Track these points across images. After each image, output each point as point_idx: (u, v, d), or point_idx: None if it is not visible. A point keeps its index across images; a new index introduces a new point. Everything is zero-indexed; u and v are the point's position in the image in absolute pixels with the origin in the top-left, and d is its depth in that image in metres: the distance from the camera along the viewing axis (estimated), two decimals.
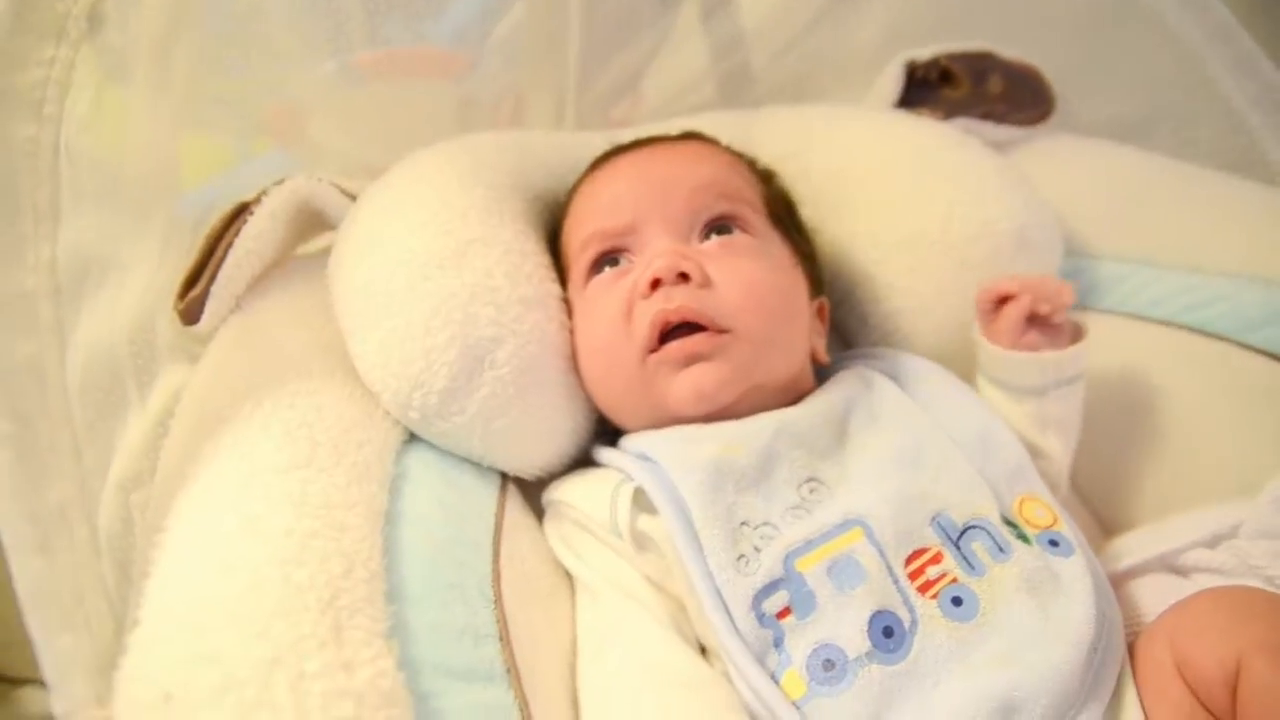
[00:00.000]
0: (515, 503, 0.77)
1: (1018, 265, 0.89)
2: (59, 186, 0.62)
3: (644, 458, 0.72)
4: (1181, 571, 0.76)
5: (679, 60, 1.26)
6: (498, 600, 0.66)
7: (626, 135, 0.95)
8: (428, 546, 0.65)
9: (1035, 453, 0.78)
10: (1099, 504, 0.92)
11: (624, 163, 0.84)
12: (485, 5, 1.23)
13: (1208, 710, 0.59)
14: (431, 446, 0.75)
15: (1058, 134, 1.07)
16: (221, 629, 0.52)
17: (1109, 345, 0.93)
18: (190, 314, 0.79)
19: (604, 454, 0.77)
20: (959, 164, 0.93)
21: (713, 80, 1.28)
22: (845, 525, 0.66)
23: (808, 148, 0.99)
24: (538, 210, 0.87)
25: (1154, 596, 0.73)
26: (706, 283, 0.74)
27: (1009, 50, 1.09)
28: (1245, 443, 0.85)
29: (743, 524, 0.67)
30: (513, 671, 0.62)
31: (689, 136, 0.90)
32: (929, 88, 1.09)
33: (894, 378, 0.81)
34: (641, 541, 0.69)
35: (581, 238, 0.79)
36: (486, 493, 0.75)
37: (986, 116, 1.05)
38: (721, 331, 0.73)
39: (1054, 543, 0.69)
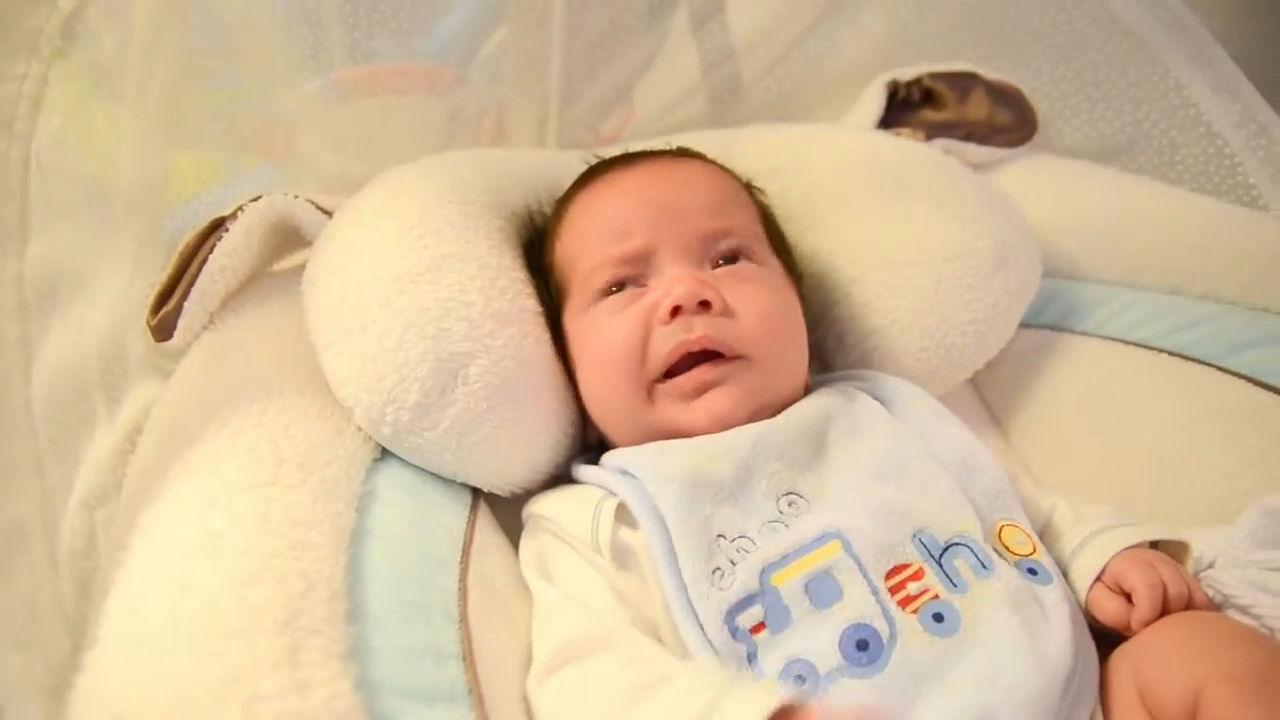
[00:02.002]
0: (486, 521, 0.77)
1: (995, 284, 0.89)
2: (28, 203, 0.63)
3: (625, 473, 0.72)
4: None
5: (669, 74, 1.27)
6: (463, 619, 0.65)
7: (612, 152, 0.95)
8: (393, 565, 0.65)
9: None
10: None
11: (630, 181, 0.83)
12: (473, 22, 1.24)
13: None
14: (403, 463, 0.75)
15: (1040, 155, 1.07)
16: (176, 650, 0.51)
17: (1089, 369, 0.93)
18: (163, 330, 0.79)
19: (585, 472, 0.77)
20: (937, 183, 0.93)
21: (703, 94, 1.29)
22: (823, 539, 0.66)
23: (787, 166, 0.99)
24: (515, 227, 0.88)
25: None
26: (726, 311, 0.75)
27: (992, 71, 1.09)
28: (1225, 467, 0.83)
29: (719, 537, 0.66)
30: (475, 692, 0.61)
31: (686, 154, 0.90)
32: (910, 108, 1.09)
33: (876, 396, 0.80)
34: (622, 559, 0.68)
35: (593, 262, 0.79)
36: (456, 511, 0.75)
37: (968, 137, 1.05)
38: (735, 359, 0.74)
39: (1032, 571, 0.68)
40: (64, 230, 0.66)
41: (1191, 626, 0.64)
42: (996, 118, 1.07)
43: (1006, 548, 0.70)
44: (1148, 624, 0.65)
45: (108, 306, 0.73)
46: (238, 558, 0.57)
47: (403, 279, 0.73)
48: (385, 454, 0.75)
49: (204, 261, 0.79)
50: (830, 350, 0.95)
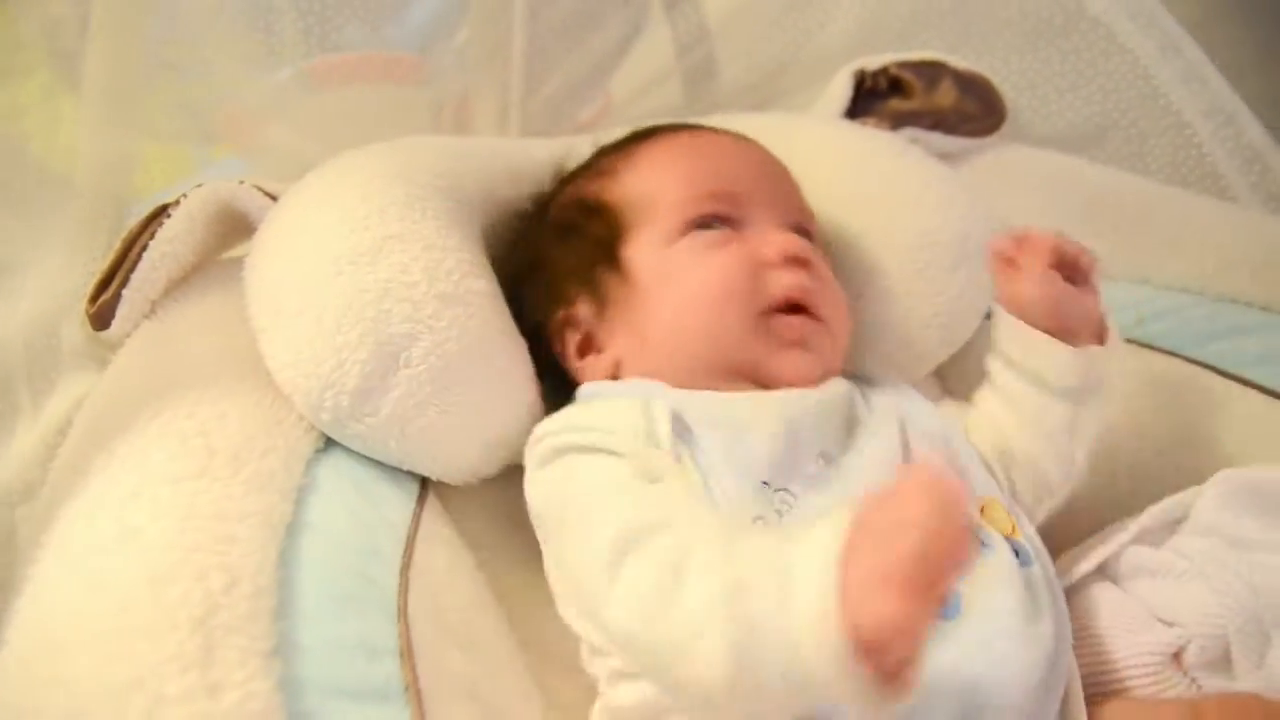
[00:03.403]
0: (435, 512, 0.75)
1: (958, 276, 0.87)
2: None
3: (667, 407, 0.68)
4: (1120, 577, 0.74)
5: (643, 60, 1.25)
6: (402, 614, 0.63)
7: (580, 142, 0.93)
8: (329, 558, 0.62)
9: (1065, 469, 0.75)
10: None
11: (726, 141, 0.84)
12: (442, 10, 1.22)
13: None
14: (347, 453, 0.72)
15: (1008, 145, 1.06)
16: (80, 651, 0.49)
17: None
18: (101, 319, 0.76)
19: (613, 387, 0.75)
20: (900, 174, 0.92)
21: (676, 79, 1.27)
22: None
23: None
24: (469, 211, 0.85)
25: (1091, 612, 0.72)
26: (819, 278, 0.77)
27: (961, 60, 1.08)
28: (1189, 461, 0.83)
29: (764, 483, 0.65)
30: (412, 688, 0.58)
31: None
32: (878, 97, 1.08)
33: (863, 385, 0.80)
34: (678, 456, 0.65)
35: (686, 193, 0.78)
36: (401, 502, 0.72)
37: (935, 126, 1.04)
38: (822, 321, 0.76)
39: (1015, 551, 0.67)
40: None
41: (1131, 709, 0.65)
42: (964, 107, 1.05)
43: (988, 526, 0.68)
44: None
45: (38, 297, 0.70)
46: (156, 554, 0.54)
47: (341, 260, 0.71)
48: (330, 444, 0.72)
49: (144, 248, 0.77)
50: None
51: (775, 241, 0.75)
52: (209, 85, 1.07)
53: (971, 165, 1.03)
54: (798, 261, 0.75)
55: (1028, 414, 0.74)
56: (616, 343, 0.79)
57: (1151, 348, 0.87)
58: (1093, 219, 0.96)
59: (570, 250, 0.81)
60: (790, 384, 0.73)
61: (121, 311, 0.75)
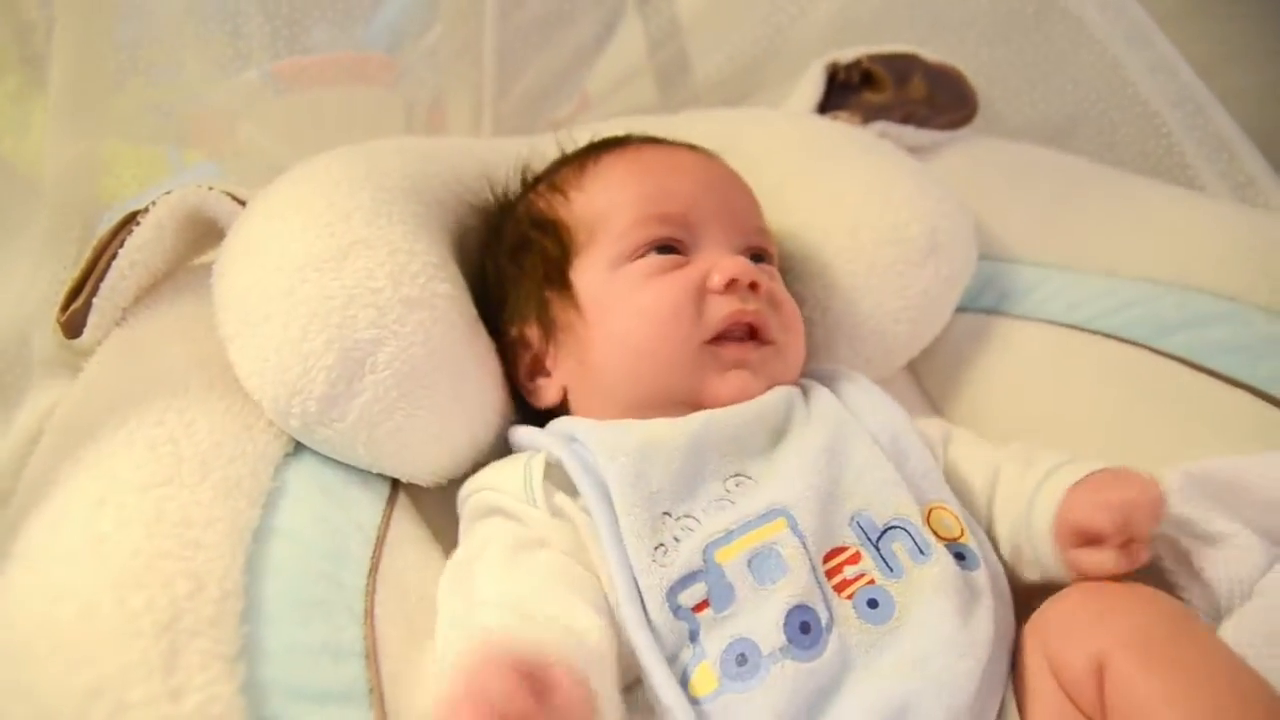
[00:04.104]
0: (405, 515, 0.75)
1: (926, 270, 0.88)
2: None
3: (570, 438, 0.71)
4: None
5: (617, 55, 1.26)
6: (368, 617, 0.63)
7: (546, 142, 0.94)
8: (296, 563, 0.63)
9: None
10: None
11: (680, 158, 0.84)
12: (412, 11, 1.22)
13: (1079, 709, 0.59)
14: (317, 458, 0.73)
15: (980, 137, 1.07)
16: (44, 660, 0.50)
17: (1025, 352, 0.93)
18: (72, 327, 0.77)
19: (521, 433, 0.76)
20: (869, 168, 0.92)
21: (649, 75, 1.28)
22: (769, 515, 0.65)
23: (722, 152, 0.96)
24: (438, 213, 0.86)
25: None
26: (769, 299, 0.77)
27: (932, 52, 1.08)
28: (1155, 449, 0.82)
29: (665, 514, 0.65)
30: (376, 691, 0.59)
31: (703, 150, 0.88)
32: (850, 90, 1.08)
33: (824, 382, 0.80)
34: (556, 513, 0.67)
35: (634, 216, 0.78)
36: (370, 505, 0.73)
37: (907, 120, 1.04)
38: (769, 343, 0.76)
39: (960, 555, 0.67)
40: None
41: (1091, 595, 0.64)
42: (936, 100, 1.05)
43: (935, 531, 0.68)
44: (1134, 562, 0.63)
45: (8, 305, 0.71)
46: (122, 560, 0.55)
47: (306, 267, 0.71)
48: (299, 449, 0.73)
49: (114, 257, 0.77)
50: None
51: (723, 268, 0.75)
52: (177, 88, 1.07)
53: (943, 158, 1.04)
54: (747, 287, 0.75)
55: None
56: (562, 368, 0.80)
57: (1117, 338, 0.88)
58: (1062, 210, 0.97)
59: (523, 268, 0.82)
60: (735, 400, 0.73)
61: (92, 320, 0.76)
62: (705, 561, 0.63)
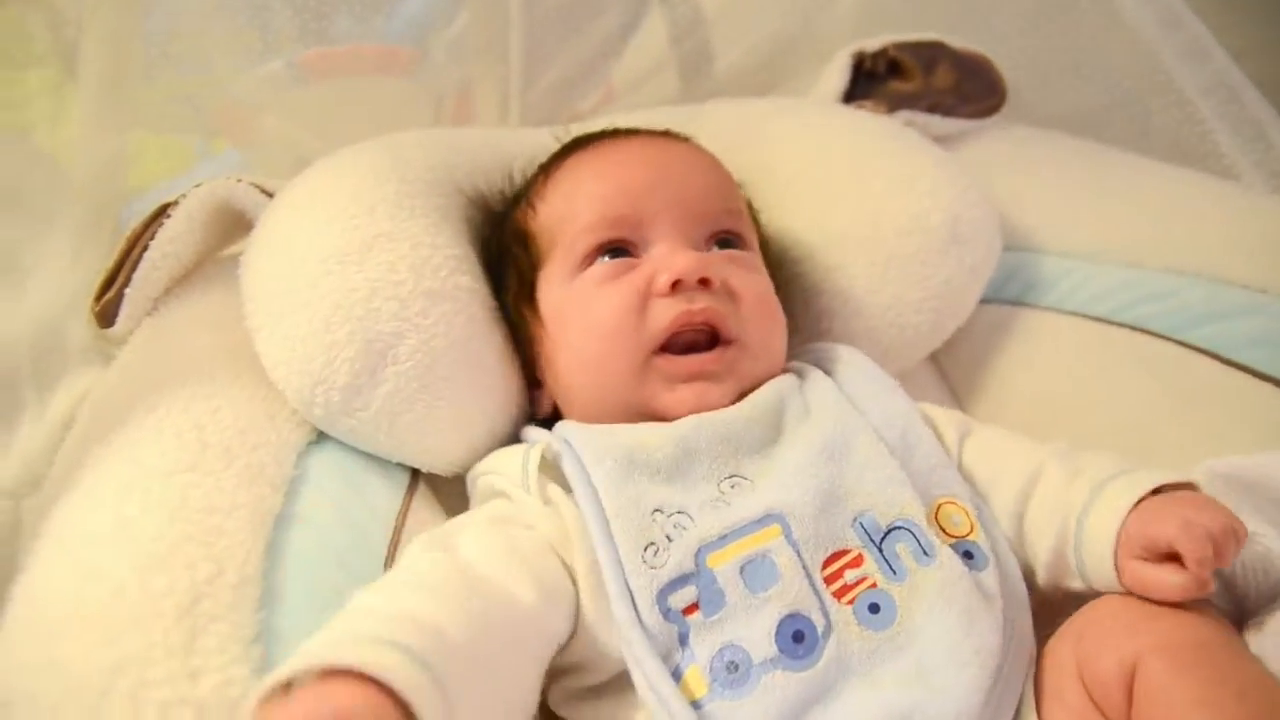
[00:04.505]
0: (424, 505, 0.77)
1: (948, 260, 0.87)
2: None
3: (565, 441, 0.71)
4: None
5: (642, 46, 1.25)
6: None
7: (588, 128, 0.94)
8: (314, 550, 0.65)
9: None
10: None
11: (630, 151, 0.81)
12: (436, 2, 1.23)
13: (1101, 713, 0.57)
14: (339, 446, 0.75)
15: (1008, 126, 1.05)
16: (71, 637, 0.52)
17: (1049, 345, 0.92)
18: (105, 317, 0.79)
19: (529, 430, 0.77)
20: (892, 157, 0.92)
21: (672, 66, 1.27)
22: (764, 520, 0.64)
23: (746, 143, 0.98)
24: (461, 205, 0.86)
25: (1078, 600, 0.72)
26: (723, 291, 0.74)
27: (961, 40, 1.07)
28: (1181, 443, 0.82)
29: (655, 511, 0.65)
30: None
31: (673, 135, 0.87)
32: (877, 79, 1.07)
33: (828, 370, 0.79)
34: (547, 501, 0.67)
35: (580, 224, 0.77)
36: (389, 493, 0.74)
37: (934, 109, 1.03)
38: (729, 343, 0.73)
39: (969, 554, 0.66)
40: None
41: (1128, 600, 0.62)
42: (964, 88, 1.04)
43: (943, 528, 0.67)
44: (1204, 589, 0.58)
45: (44, 296, 0.73)
46: (147, 544, 0.57)
47: (330, 260, 0.73)
48: (322, 437, 0.74)
49: (145, 248, 0.80)
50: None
51: (668, 266, 0.73)
52: (203, 79, 1.09)
53: (970, 147, 1.02)
54: (697, 284, 0.72)
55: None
56: (546, 381, 0.80)
57: (1143, 331, 0.86)
58: (1089, 200, 0.96)
59: (510, 279, 0.81)
60: (692, 411, 0.71)
61: (124, 310, 0.78)
62: (697, 565, 0.62)
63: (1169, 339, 0.85)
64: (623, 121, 0.94)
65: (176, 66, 1.13)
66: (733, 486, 0.68)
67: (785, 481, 0.67)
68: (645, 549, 0.63)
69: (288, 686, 0.46)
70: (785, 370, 0.79)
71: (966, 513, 0.68)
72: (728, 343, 0.73)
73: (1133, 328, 0.87)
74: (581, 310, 0.75)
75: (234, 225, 0.86)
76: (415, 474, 0.78)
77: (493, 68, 1.11)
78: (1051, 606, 0.67)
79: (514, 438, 0.80)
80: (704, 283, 0.73)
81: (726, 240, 0.79)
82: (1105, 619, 0.61)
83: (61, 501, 0.61)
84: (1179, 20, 0.96)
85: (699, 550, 0.63)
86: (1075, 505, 0.66)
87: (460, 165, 0.90)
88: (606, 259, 0.76)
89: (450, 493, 0.79)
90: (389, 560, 0.69)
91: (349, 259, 0.73)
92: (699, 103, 1.14)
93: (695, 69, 1.27)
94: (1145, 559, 0.61)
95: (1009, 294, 0.95)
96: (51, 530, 0.59)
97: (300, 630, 0.59)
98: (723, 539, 0.64)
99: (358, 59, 1.20)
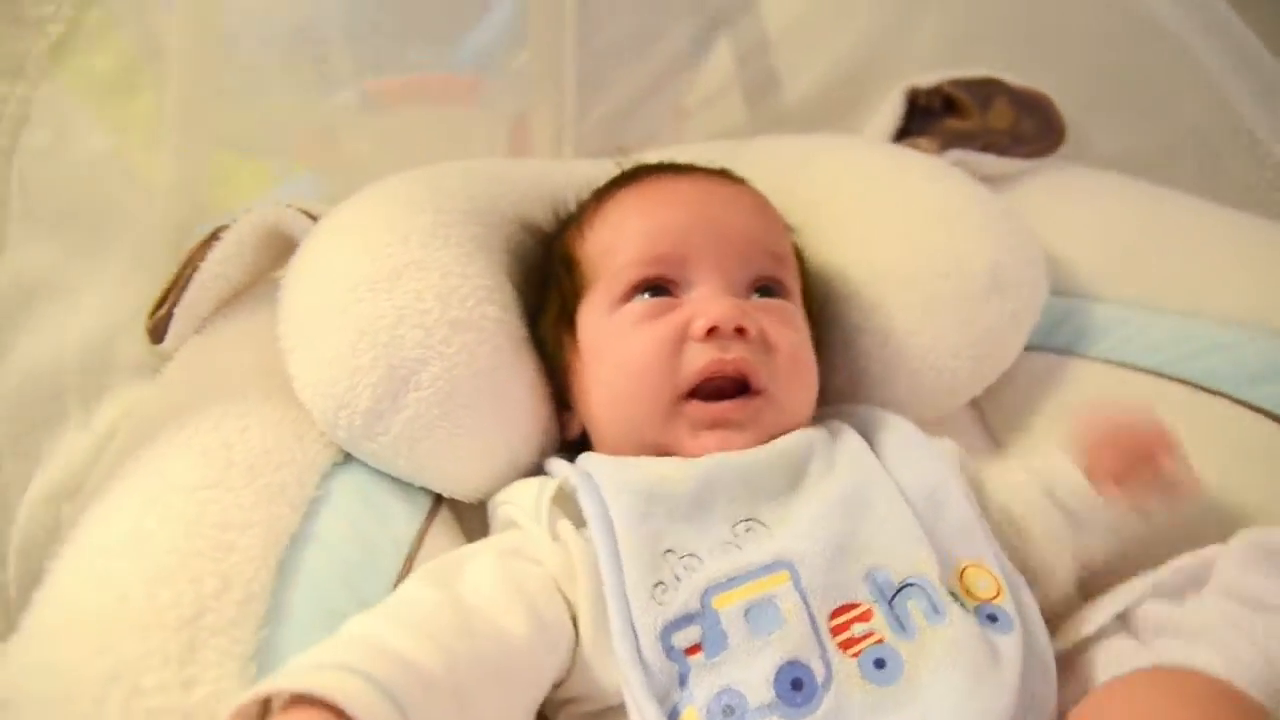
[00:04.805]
0: (444, 530, 0.78)
1: (989, 306, 0.85)
2: (8, 216, 0.67)
3: (586, 473, 0.72)
4: (1139, 633, 0.71)
5: (711, 73, 1.26)
6: None
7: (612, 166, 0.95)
8: (326, 570, 0.67)
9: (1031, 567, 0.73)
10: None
11: (681, 189, 0.82)
12: (505, 32, 1.26)
13: None
14: (364, 469, 0.76)
15: (1066, 166, 1.01)
16: (75, 642, 0.54)
17: (1093, 396, 0.88)
18: (156, 334, 0.84)
19: (552, 462, 0.78)
20: (935, 198, 0.90)
21: (738, 91, 1.28)
22: (773, 567, 0.64)
23: (791, 179, 0.97)
24: (503, 236, 0.88)
25: (1106, 667, 0.69)
26: (759, 342, 0.74)
27: (1023, 75, 1.04)
28: (1235, 509, 0.78)
29: (668, 551, 0.65)
30: None
31: (729, 175, 0.87)
32: (933, 116, 1.05)
33: (860, 430, 0.78)
34: (555, 536, 0.68)
35: (625, 258, 0.78)
36: (409, 517, 0.75)
37: (987, 148, 1.00)
38: (758, 393, 0.74)
39: (992, 618, 0.64)
40: (46, 241, 0.71)
41: (1158, 685, 0.60)
42: (1020, 127, 1.01)
43: (968, 591, 0.66)
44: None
45: (96, 312, 0.77)
46: (159, 557, 0.60)
47: (360, 287, 0.75)
48: (349, 459, 0.76)
49: (196, 269, 0.84)
50: (823, 372, 0.92)
51: (706, 312, 0.73)
52: (281, 105, 1.14)
53: (1023, 188, 0.99)
54: (733, 332, 0.72)
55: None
56: (578, 406, 0.80)
57: (1198, 386, 0.82)
58: (1146, 245, 0.92)
59: (552, 303, 0.83)
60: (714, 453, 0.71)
61: (173, 328, 0.82)
62: (703, 605, 0.62)
63: (1224, 395, 0.81)
64: (674, 156, 0.95)
65: (258, 92, 1.19)
66: (747, 530, 0.68)
67: (799, 530, 0.66)
68: (655, 586, 0.63)
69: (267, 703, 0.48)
70: (818, 425, 0.78)
71: (994, 576, 0.67)
72: (756, 393, 0.73)
73: (1185, 381, 0.83)
74: (616, 346, 0.76)
75: (284, 249, 0.90)
76: (439, 499, 0.79)
77: (549, 97, 1.13)
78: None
79: (538, 466, 0.81)
80: (740, 331, 0.73)
81: (767, 288, 0.79)
82: (1126, 704, 0.59)
83: (89, 510, 0.65)
84: (1254, 60, 0.91)
85: (706, 590, 0.63)
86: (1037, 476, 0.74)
87: (504, 195, 0.91)
88: (646, 296, 0.76)
89: (473, 519, 0.80)
90: (398, 583, 0.69)
91: (378, 286, 0.75)
92: (764, 132, 1.15)
93: (761, 96, 1.27)
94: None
95: (1057, 341, 0.92)
96: (75, 537, 0.62)
97: (302, 648, 0.61)
98: (730, 581, 0.63)
99: (424, 88, 1.24)
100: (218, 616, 0.58)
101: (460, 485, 0.78)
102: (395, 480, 0.77)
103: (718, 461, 0.70)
